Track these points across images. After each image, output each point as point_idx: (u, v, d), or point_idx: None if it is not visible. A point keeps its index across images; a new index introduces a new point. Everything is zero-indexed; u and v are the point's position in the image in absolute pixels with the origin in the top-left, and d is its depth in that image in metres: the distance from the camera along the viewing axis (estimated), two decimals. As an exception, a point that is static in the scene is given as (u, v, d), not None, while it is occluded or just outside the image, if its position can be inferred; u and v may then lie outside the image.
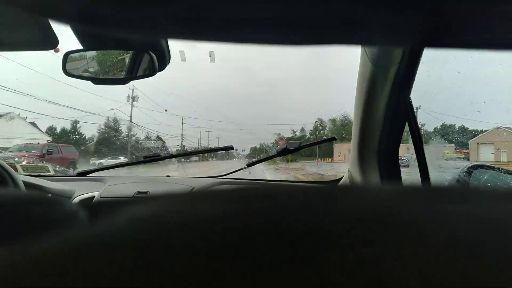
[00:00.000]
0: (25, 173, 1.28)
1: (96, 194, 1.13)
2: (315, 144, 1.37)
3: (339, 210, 0.15)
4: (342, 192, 0.19)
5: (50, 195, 1.02)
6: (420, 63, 0.82)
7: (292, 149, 1.21)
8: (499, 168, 0.95)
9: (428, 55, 0.84)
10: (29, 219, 0.16)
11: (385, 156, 0.97)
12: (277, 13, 0.22)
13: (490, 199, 0.18)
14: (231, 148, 1.51)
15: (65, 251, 0.13)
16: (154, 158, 1.28)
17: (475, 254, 0.12)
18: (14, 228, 0.16)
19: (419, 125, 0.92)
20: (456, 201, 0.17)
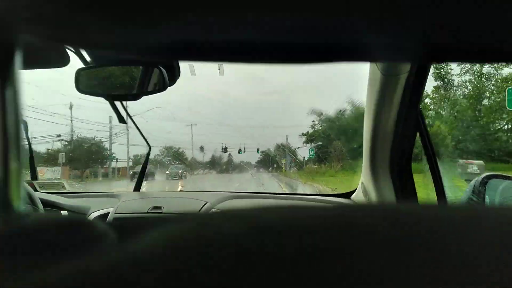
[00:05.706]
0: (41, 191, 1.32)
1: (110, 210, 1.15)
2: None
3: (356, 241, 0.15)
4: (358, 213, 0.18)
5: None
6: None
7: None
8: None
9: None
10: (68, 242, 0.16)
11: (398, 167, 0.95)
12: (285, 35, 0.22)
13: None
14: None
15: (101, 273, 0.13)
16: None
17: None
18: (53, 251, 0.16)
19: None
20: (476, 222, 0.16)
